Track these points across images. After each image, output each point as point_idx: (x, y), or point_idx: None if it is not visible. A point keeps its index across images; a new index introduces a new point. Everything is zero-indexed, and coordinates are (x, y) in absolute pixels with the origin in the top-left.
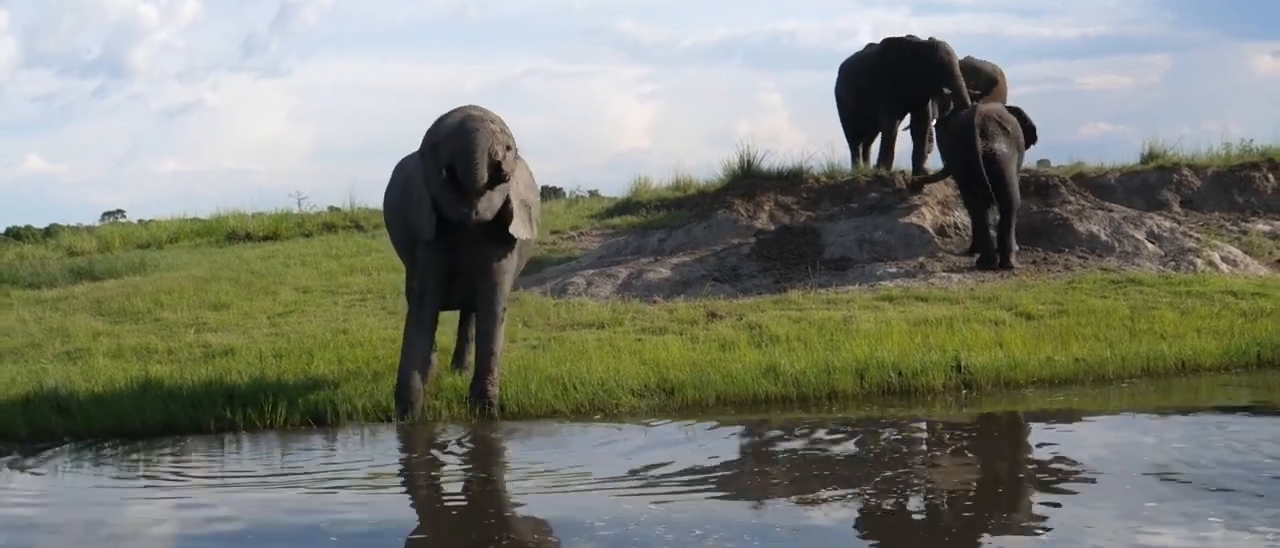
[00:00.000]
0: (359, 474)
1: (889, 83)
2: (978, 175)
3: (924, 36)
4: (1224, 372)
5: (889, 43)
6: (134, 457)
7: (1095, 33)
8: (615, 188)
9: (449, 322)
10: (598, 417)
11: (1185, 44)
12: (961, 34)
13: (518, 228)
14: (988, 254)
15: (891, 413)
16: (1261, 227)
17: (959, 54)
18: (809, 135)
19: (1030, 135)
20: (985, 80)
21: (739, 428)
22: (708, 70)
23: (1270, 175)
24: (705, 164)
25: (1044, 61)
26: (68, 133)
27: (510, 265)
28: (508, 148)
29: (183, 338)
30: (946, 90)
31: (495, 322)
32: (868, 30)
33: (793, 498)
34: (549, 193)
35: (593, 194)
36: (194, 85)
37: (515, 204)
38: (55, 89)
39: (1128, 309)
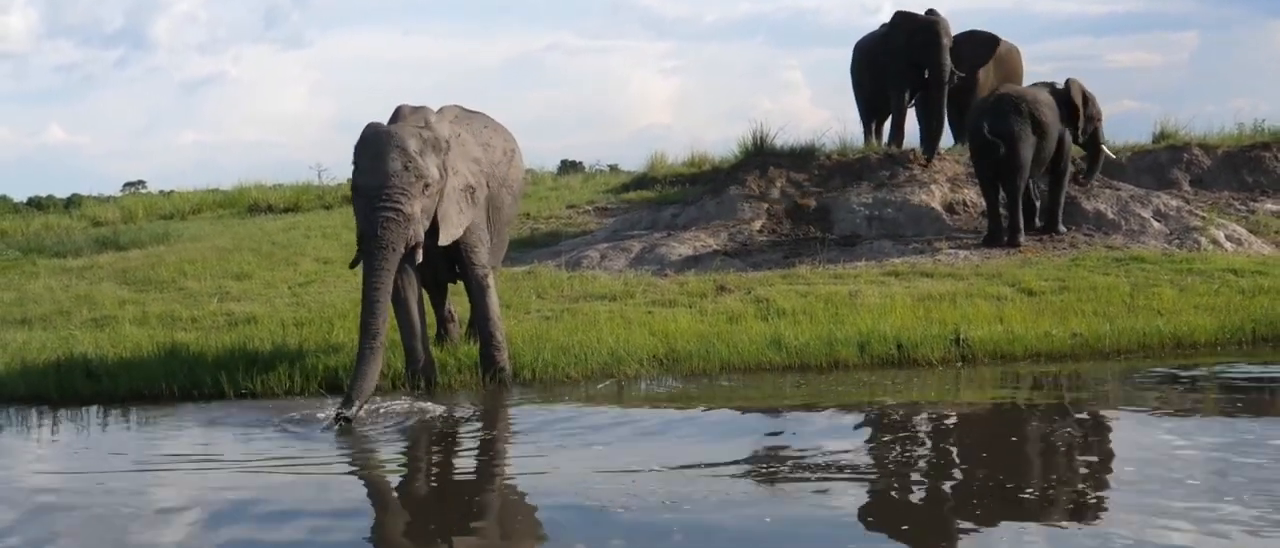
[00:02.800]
0: None
1: (894, 59)
2: (981, 155)
3: (939, 12)
4: (1218, 347)
5: (899, 16)
6: None
7: (1124, 9)
8: (636, 163)
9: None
10: (606, 383)
11: (1215, 21)
12: (987, 10)
13: (447, 237)
14: (995, 231)
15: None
16: (1269, 206)
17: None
18: (831, 113)
19: (1071, 110)
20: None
21: None
22: (730, 47)
23: None
24: (725, 141)
25: (1072, 38)
26: (89, 103)
27: (476, 238)
28: (422, 169)
29: (206, 307)
30: (926, 73)
31: (481, 293)
32: (891, 8)
33: None
34: (568, 167)
35: (613, 169)
36: (216, 57)
37: (449, 206)
38: (77, 59)
39: (1129, 286)
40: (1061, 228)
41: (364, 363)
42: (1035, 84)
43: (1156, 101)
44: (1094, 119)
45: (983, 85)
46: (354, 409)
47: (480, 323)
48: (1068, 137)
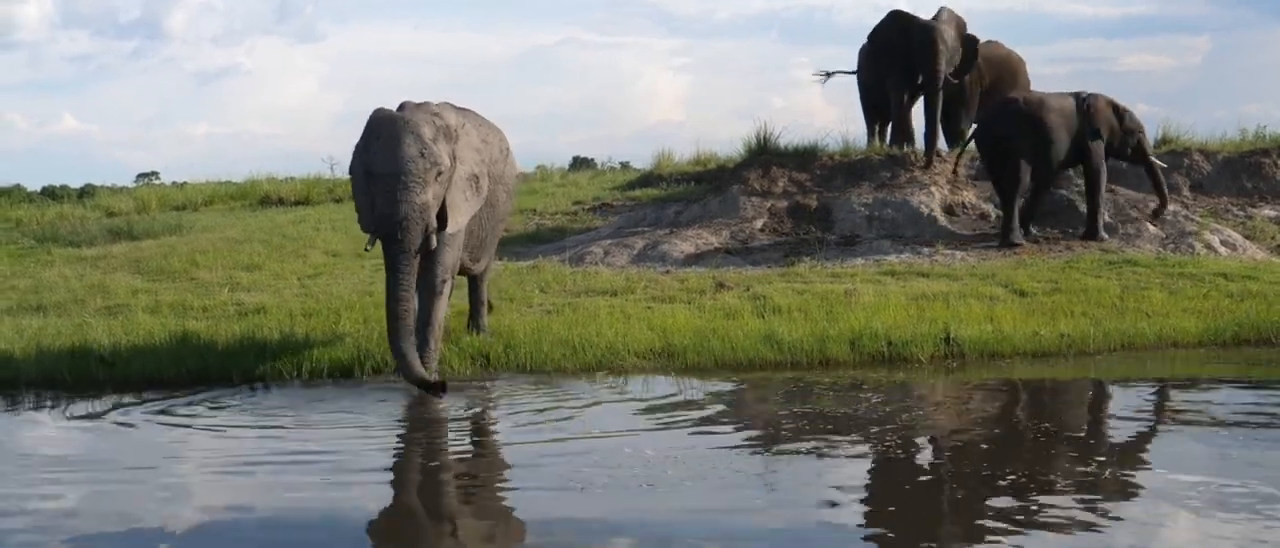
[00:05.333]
0: None
1: (894, 60)
2: (985, 157)
3: (941, 12)
4: (1199, 348)
5: (895, 16)
6: None
7: (1137, 12)
8: (647, 160)
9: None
10: (603, 374)
11: (1227, 25)
12: (1001, 11)
13: (453, 226)
14: (1024, 230)
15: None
16: (1267, 212)
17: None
18: (842, 111)
19: (1104, 122)
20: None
21: None
22: (742, 44)
23: None
24: (735, 138)
25: (1085, 40)
26: (103, 94)
27: (450, 239)
28: (436, 156)
29: (217, 296)
30: (919, 78)
31: (432, 296)
32: (904, 7)
33: None
34: (580, 163)
35: (624, 165)
36: (229, 49)
37: (456, 195)
38: (91, 49)
39: (1119, 289)
40: (1103, 235)
41: (409, 348)
42: (1057, 93)
43: (1167, 105)
44: (1133, 131)
45: (972, 88)
46: (435, 379)
47: (421, 327)
48: (1092, 146)
